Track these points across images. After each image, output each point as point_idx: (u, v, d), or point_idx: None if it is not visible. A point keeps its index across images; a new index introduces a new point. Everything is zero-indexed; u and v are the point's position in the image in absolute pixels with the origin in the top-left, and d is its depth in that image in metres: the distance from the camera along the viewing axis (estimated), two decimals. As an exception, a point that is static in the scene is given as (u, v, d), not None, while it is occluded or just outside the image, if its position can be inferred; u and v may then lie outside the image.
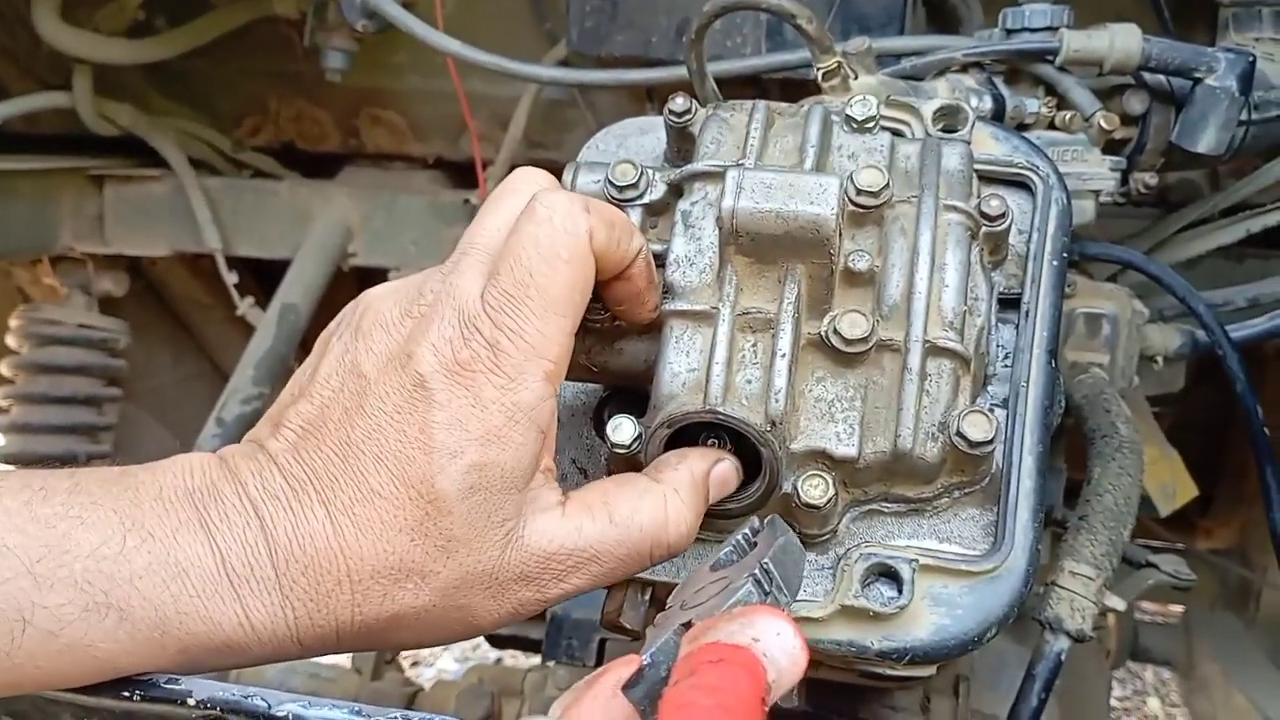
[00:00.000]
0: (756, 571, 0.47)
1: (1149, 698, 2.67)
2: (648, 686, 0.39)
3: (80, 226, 1.61)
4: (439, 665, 2.93)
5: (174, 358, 2.03)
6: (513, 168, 1.47)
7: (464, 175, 1.60)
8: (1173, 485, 1.08)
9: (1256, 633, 1.61)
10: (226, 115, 1.64)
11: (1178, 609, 1.93)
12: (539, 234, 0.55)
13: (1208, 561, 1.75)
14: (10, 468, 1.68)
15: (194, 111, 1.63)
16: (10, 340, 1.68)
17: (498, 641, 1.84)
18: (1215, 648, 1.58)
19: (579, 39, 1.21)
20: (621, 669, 0.41)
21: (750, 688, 0.37)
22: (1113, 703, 2.70)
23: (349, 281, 1.68)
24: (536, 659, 1.41)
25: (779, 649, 0.39)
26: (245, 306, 1.55)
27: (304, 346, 1.54)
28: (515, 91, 1.45)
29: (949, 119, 0.75)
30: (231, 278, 1.55)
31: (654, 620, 0.47)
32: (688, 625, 0.42)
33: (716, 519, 0.63)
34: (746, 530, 0.53)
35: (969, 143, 0.73)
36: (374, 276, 1.60)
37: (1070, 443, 1.12)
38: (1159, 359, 0.98)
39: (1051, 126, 0.88)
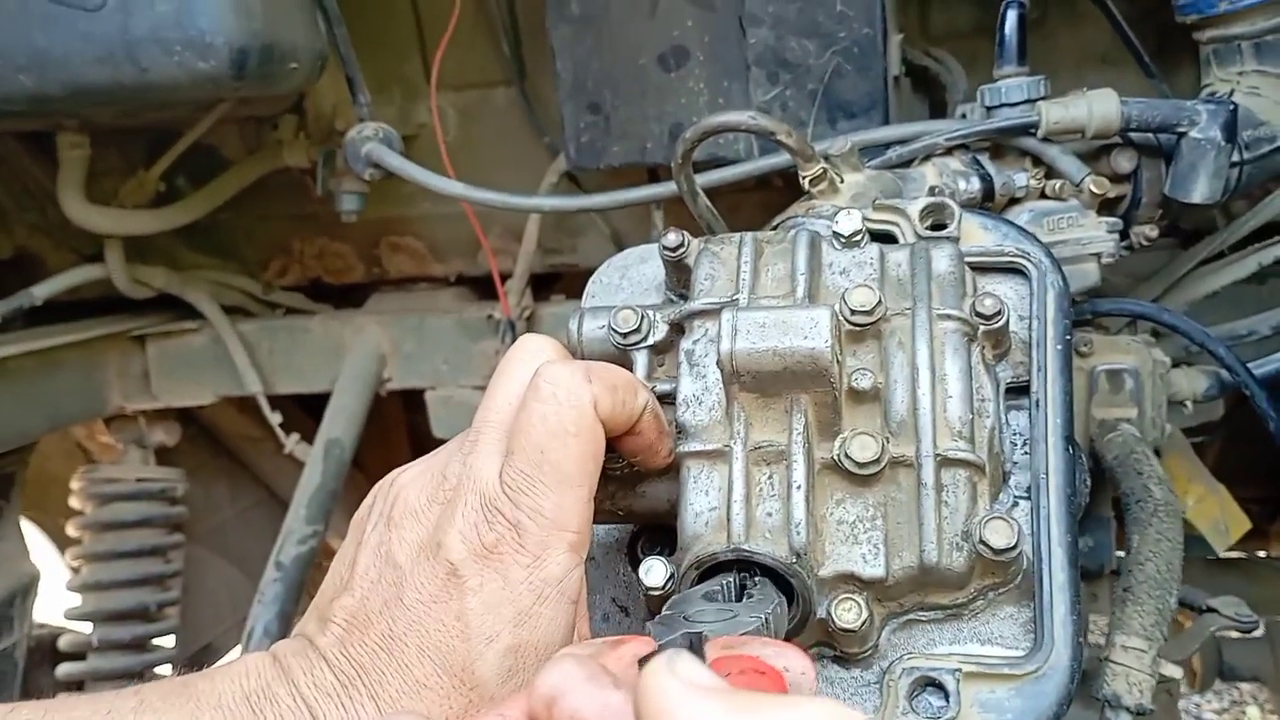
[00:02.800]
0: (765, 615, 0.53)
1: (1248, 706, 2.60)
2: None
3: (128, 386, 1.66)
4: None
5: (231, 492, 2.08)
6: (531, 277, 1.52)
7: (486, 288, 1.64)
8: (1225, 521, 1.07)
9: (1342, 639, 1.56)
10: (254, 261, 1.69)
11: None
12: (545, 411, 0.57)
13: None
14: (88, 625, 1.73)
15: (223, 261, 1.69)
16: (74, 502, 1.74)
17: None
18: (1302, 656, 1.53)
19: (577, 154, 1.24)
20: (638, 645, 0.46)
21: None
22: (1212, 715, 2.63)
23: (392, 402, 1.72)
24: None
25: (801, 685, 0.44)
26: (291, 444, 1.59)
27: (356, 464, 1.58)
28: (525, 204, 1.48)
29: (936, 215, 0.76)
30: (275, 417, 1.59)
31: (654, 619, 0.53)
32: (699, 636, 0.44)
33: None
34: (732, 577, 0.60)
35: (957, 239, 0.74)
36: (412, 397, 1.63)
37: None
38: (1188, 403, 0.97)
39: (1043, 196, 0.89)
